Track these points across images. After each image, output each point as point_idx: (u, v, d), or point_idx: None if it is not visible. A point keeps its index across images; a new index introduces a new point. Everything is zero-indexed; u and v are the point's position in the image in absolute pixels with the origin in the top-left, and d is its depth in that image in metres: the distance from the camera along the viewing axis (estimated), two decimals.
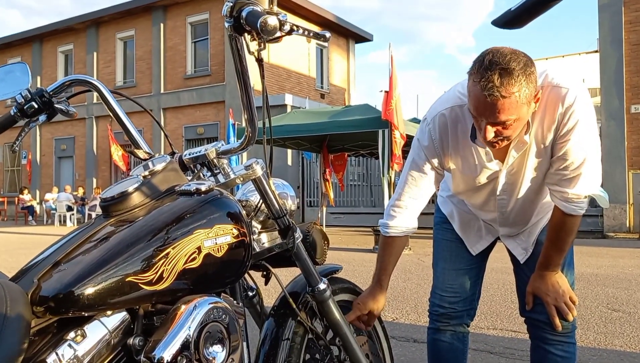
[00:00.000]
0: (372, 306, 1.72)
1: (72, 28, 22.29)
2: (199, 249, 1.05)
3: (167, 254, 1.00)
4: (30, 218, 19.29)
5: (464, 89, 1.61)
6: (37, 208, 20.46)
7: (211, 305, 1.01)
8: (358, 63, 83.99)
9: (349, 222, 15.16)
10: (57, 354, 0.87)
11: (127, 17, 21.01)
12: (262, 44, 1.05)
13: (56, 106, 1.41)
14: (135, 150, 1.42)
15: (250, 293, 1.52)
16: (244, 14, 1.01)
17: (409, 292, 5.05)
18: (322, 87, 22.04)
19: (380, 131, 8.76)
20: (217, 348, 1.00)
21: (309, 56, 21.15)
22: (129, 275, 0.95)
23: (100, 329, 0.94)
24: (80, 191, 19.43)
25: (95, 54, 21.96)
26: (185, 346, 0.94)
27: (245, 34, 1.05)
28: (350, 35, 23.32)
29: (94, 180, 21.39)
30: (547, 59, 21.54)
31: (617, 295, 4.76)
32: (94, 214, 17.31)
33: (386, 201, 8.58)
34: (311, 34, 1.02)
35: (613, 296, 4.74)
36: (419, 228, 1.79)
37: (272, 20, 0.97)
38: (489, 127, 1.45)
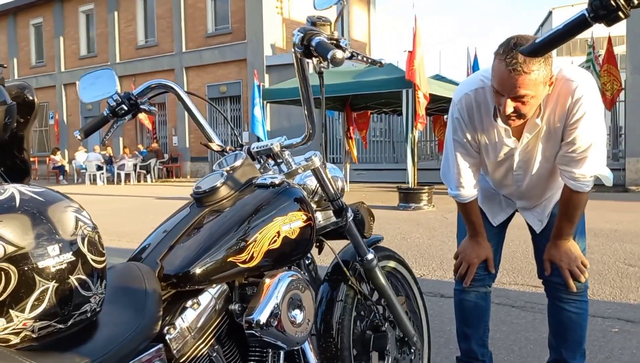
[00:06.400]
0: (489, 254, 2.09)
1: None
2: (279, 233, 1.32)
3: (255, 239, 1.27)
4: (61, 177, 19.95)
5: (486, 73, 1.85)
6: (67, 168, 21.09)
7: (291, 278, 1.28)
8: (379, 15, 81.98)
9: (371, 178, 15.39)
10: (182, 318, 1.15)
11: None
12: (327, 65, 1.27)
13: (141, 107, 1.67)
14: (209, 143, 1.68)
15: (307, 262, 1.79)
16: (313, 43, 1.23)
17: (434, 249, 5.32)
18: None
19: (404, 91, 8.87)
20: (297, 311, 1.28)
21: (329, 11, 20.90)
22: (229, 256, 1.22)
23: (209, 298, 1.21)
24: (109, 150, 19.94)
25: (116, 13, 22.04)
26: (275, 310, 1.21)
27: (313, 58, 1.27)
28: None
29: (121, 139, 21.86)
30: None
31: (634, 251, 4.97)
32: (122, 173, 17.90)
33: (409, 160, 8.76)
34: (369, 61, 1.24)
35: (630, 251, 4.95)
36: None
37: (340, 54, 1.19)
38: (508, 101, 1.70)
